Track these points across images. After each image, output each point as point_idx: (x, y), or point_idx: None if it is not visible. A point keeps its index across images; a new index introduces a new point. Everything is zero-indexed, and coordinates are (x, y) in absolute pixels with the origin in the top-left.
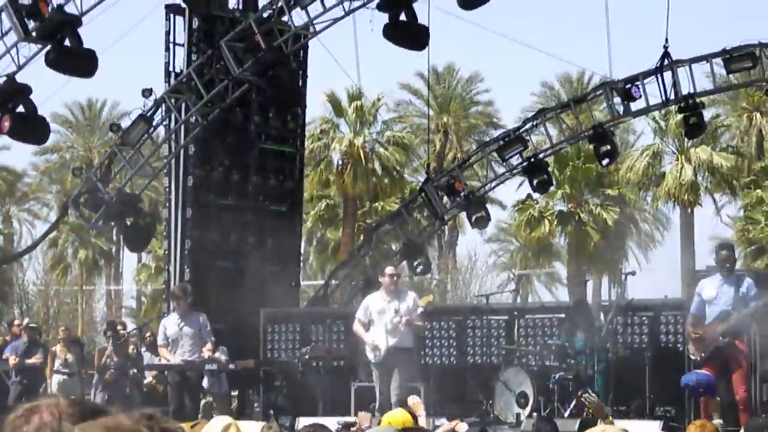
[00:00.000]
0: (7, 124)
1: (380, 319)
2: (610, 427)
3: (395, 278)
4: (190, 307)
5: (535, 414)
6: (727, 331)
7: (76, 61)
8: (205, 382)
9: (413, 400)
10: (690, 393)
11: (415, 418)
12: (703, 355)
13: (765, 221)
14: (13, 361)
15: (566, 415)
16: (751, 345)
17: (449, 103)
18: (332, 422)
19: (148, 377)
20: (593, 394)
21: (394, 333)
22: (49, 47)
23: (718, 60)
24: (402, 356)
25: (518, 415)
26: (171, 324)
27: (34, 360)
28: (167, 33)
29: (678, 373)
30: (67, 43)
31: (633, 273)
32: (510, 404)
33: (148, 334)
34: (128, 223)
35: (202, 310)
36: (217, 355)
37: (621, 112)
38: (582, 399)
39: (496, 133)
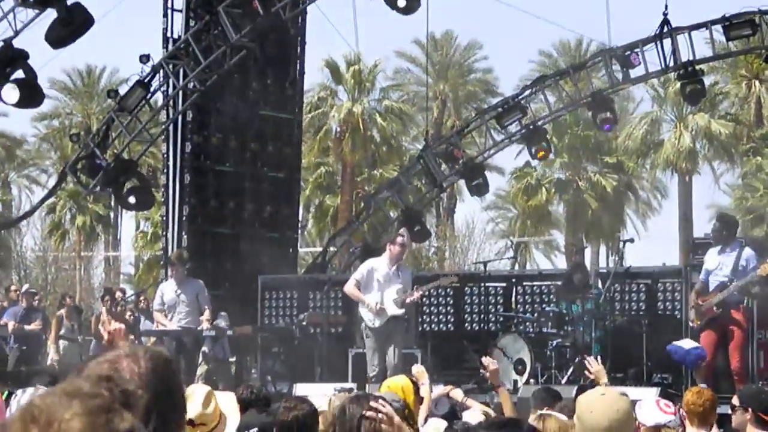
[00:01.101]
0: (13, 93)
1: (386, 286)
2: (609, 389)
3: (403, 246)
4: (188, 274)
5: (532, 381)
6: (721, 302)
7: (72, 28)
8: (206, 348)
9: (417, 369)
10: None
11: (416, 386)
12: (698, 323)
13: (763, 189)
14: (12, 326)
15: (563, 381)
16: (748, 314)
17: (447, 70)
18: (329, 388)
19: (146, 343)
20: (596, 360)
21: (399, 303)
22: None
23: (718, 27)
24: (401, 325)
25: (515, 381)
26: (168, 290)
27: (33, 326)
28: None
29: (676, 341)
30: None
31: (631, 240)
32: (507, 371)
33: (142, 300)
34: (127, 187)
35: (200, 276)
36: (217, 321)
37: (620, 80)
38: (585, 361)
39: (494, 101)
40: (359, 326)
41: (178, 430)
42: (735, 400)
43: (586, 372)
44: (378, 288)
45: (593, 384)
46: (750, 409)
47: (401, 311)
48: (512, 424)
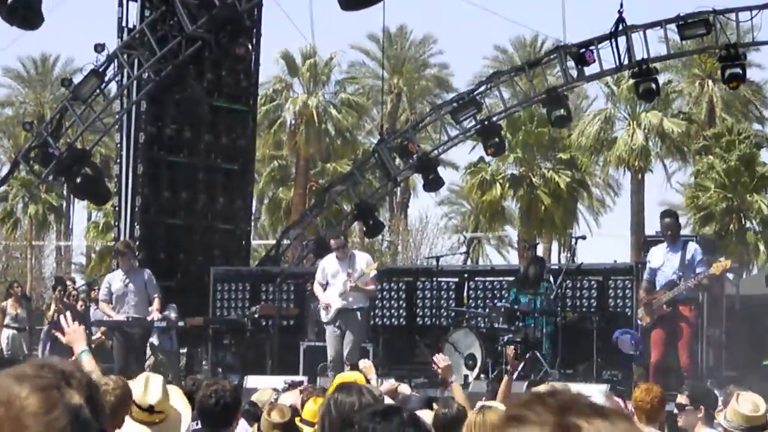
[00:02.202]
0: None
1: (334, 281)
2: (558, 385)
3: (341, 249)
4: (139, 264)
5: (483, 376)
6: (671, 300)
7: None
8: (155, 339)
9: (365, 364)
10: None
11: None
12: (648, 321)
13: (714, 188)
14: None
15: (514, 377)
16: (697, 312)
17: (402, 65)
18: (280, 381)
19: (97, 333)
20: (514, 349)
21: (345, 296)
22: None
23: (672, 26)
24: (351, 317)
25: (466, 376)
26: (116, 280)
27: None
28: None
29: None
30: None
31: (583, 237)
32: (458, 366)
33: (95, 290)
34: (79, 178)
35: (152, 267)
36: (167, 312)
37: (575, 77)
38: (507, 349)
39: (448, 96)
40: (311, 319)
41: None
42: (683, 399)
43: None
44: (330, 283)
45: (542, 380)
46: (702, 408)
47: (344, 303)
48: (393, 412)
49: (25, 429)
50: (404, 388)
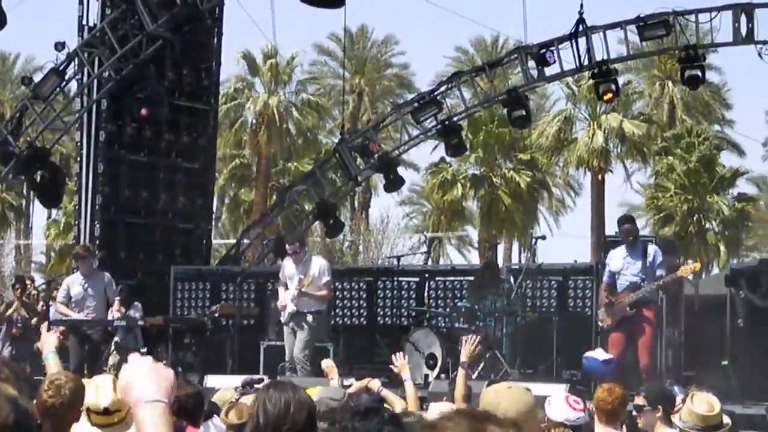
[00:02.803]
0: None
1: (290, 283)
2: (514, 384)
3: (295, 254)
4: (99, 265)
5: (443, 375)
6: (635, 302)
7: None
8: (119, 338)
9: (327, 364)
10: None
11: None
12: (610, 322)
13: (674, 189)
14: None
15: (474, 376)
16: (658, 312)
17: (364, 65)
18: (239, 380)
19: (55, 333)
20: (476, 337)
21: (298, 300)
22: None
23: (632, 27)
24: (301, 320)
25: (426, 376)
26: (75, 284)
27: None
28: None
29: (585, 338)
30: None
31: (543, 237)
32: (419, 365)
33: (55, 289)
34: (38, 177)
35: (112, 266)
36: (131, 311)
37: (535, 77)
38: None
39: (410, 96)
40: (272, 319)
41: None
42: (641, 400)
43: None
44: (288, 286)
45: (502, 379)
46: (660, 407)
47: (296, 308)
48: (372, 411)
49: None
50: (375, 384)
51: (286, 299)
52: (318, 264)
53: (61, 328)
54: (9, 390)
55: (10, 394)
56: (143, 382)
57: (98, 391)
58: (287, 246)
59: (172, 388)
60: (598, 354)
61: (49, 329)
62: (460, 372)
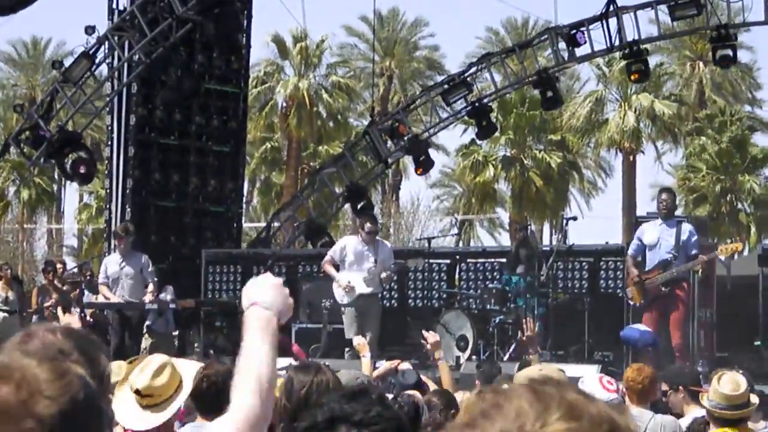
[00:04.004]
0: None
1: (358, 263)
2: (546, 365)
3: (372, 234)
4: (133, 247)
5: (474, 357)
6: (669, 280)
7: None
8: (150, 321)
9: (358, 341)
10: (629, 346)
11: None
12: (642, 301)
13: (706, 169)
14: None
15: (505, 358)
16: (690, 292)
17: (393, 47)
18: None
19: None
20: (534, 326)
21: (371, 282)
22: None
23: (663, 7)
24: (374, 302)
25: (458, 358)
26: (112, 263)
27: None
28: None
29: (617, 319)
30: None
31: (575, 218)
32: (450, 347)
33: (87, 273)
34: (71, 159)
35: (143, 249)
36: (163, 294)
37: (566, 58)
38: (524, 322)
39: (440, 78)
40: (303, 301)
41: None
42: (664, 386)
43: (519, 332)
44: (350, 265)
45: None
46: (682, 387)
47: (370, 289)
48: (362, 393)
49: (40, 394)
50: (405, 366)
51: (352, 280)
52: (389, 247)
53: (90, 310)
54: (78, 369)
55: (79, 371)
56: (263, 290)
57: (141, 370)
58: (368, 224)
59: (285, 309)
60: (637, 327)
61: (83, 312)
62: (442, 365)
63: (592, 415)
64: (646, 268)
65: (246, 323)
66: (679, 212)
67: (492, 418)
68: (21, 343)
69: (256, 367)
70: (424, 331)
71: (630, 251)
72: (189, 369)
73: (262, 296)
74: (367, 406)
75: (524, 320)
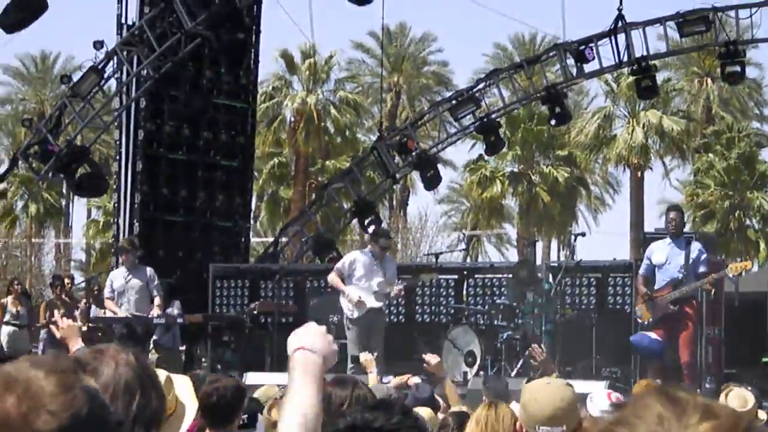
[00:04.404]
0: None
1: (367, 278)
2: (554, 380)
3: (385, 249)
4: (138, 261)
5: (482, 373)
6: (679, 299)
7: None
8: (156, 336)
9: (365, 357)
10: (637, 352)
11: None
12: (651, 319)
13: (714, 186)
14: None
15: (513, 374)
16: (699, 310)
17: (402, 62)
18: (278, 378)
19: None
20: (542, 348)
21: (380, 296)
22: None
23: (672, 23)
24: (381, 317)
25: (465, 373)
26: (118, 277)
27: None
28: None
29: (625, 335)
30: None
31: (583, 234)
32: (458, 363)
33: (95, 288)
34: (79, 172)
35: (151, 264)
36: (170, 309)
37: (574, 74)
38: (530, 350)
39: (448, 94)
40: (311, 316)
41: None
42: None
43: (532, 361)
44: (359, 279)
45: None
46: None
47: (380, 304)
48: (385, 403)
49: (42, 408)
50: (415, 380)
51: (362, 294)
52: (394, 266)
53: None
54: (90, 382)
55: (89, 385)
56: (310, 336)
57: None
58: (382, 239)
59: (330, 354)
60: (649, 334)
61: (90, 328)
62: (447, 383)
63: (728, 414)
64: (656, 287)
65: (292, 366)
66: (687, 228)
67: (633, 426)
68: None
69: (302, 409)
70: (425, 356)
71: (640, 271)
72: (183, 384)
73: (309, 340)
74: (389, 415)
75: (531, 347)
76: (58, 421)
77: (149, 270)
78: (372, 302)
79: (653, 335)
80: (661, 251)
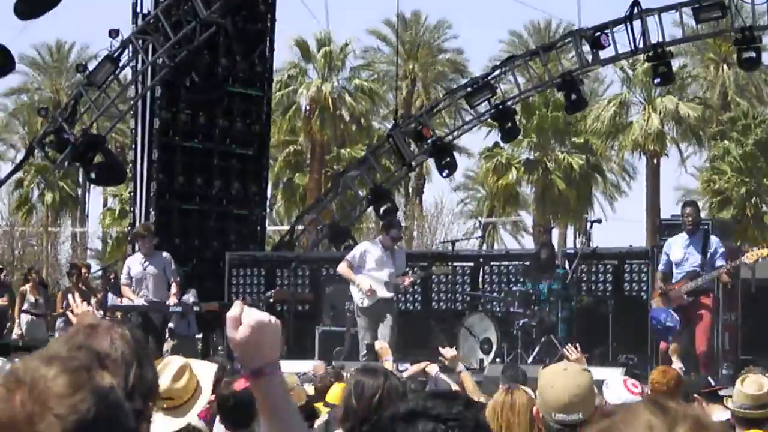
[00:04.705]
0: None
1: (378, 268)
2: (571, 364)
3: (397, 240)
4: (154, 247)
5: (498, 360)
6: (694, 290)
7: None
8: (172, 324)
9: (380, 345)
10: (652, 327)
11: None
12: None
13: (731, 172)
14: None
15: (529, 361)
16: (715, 300)
17: (417, 50)
18: (297, 365)
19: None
20: (576, 347)
21: (390, 286)
22: None
23: (688, 9)
24: (392, 306)
25: (482, 360)
26: (135, 263)
27: (0, 301)
28: None
29: (641, 321)
30: None
31: (599, 221)
32: (474, 350)
33: (111, 276)
34: (96, 161)
35: (167, 252)
36: (186, 297)
37: (589, 61)
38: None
39: (463, 82)
40: (326, 304)
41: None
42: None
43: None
44: (370, 270)
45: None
46: (696, 396)
47: (391, 294)
48: (448, 394)
49: (48, 410)
50: (432, 369)
51: (373, 283)
52: (404, 252)
53: (118, 313)
54: (104, 380)
55: (101, 385)
56: (261, 345)
57: (160, 373)
58: (394, 230)
59: (280, 344)
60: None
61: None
62: (464, 375)
63: (717, 429)
64: (674, 281)
65: (260, 396)
66: (703, 215)
67: None
68: (86, 336)
69: None
70: (440, 349)
71: (659, 267)
72: (206, 371)
73: (265, 354)
74: (450, 404)
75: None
76: (63, 426)
77: (166, 255)
78: (383, 292)
79: (672, 314)
80: (678, 247)
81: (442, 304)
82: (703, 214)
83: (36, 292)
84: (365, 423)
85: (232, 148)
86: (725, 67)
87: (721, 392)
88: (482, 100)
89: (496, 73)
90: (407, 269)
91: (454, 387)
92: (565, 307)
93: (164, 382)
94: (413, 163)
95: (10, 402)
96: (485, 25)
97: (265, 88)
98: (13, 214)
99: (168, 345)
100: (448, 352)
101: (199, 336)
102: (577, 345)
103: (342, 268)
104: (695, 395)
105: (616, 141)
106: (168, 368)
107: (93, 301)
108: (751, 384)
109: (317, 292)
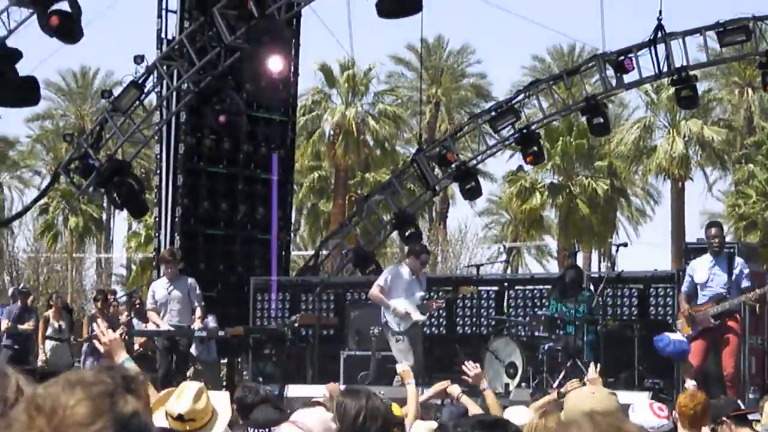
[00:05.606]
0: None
1: (408, 292)
2: (598, 388)
3: (425, 264)
4: (179, 272)
5: (524, 384)
6: (721, 313)
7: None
8: (193, 349)
9: (402, 368)
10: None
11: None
12: (691, 332)
13: (756, 196)
14: (5, 324)
15: (555, 385)
16: (742, 324)
17: (440, 74)
18: (320, 390)
19: (136, 344)
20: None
21: (423, 309)
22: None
23: (712, 33)
24: (420, 330)
25: (507, 385)
26: (159, 288)
27: (27, 326)
28: (160, 0)
29: None
30: (58, 7)
31: (625, 244)
32: (499, 374)
33: (137, 302)
34: (119, 189)
35: (192, 277)
36: (207, 321)
37: (613, 85)
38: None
39: (487, 106)
40: (351, 329)
41: None
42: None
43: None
44: (400, 294)
45: None
46: (725, 419)
47: (424, 317)
48: (502, 424)
49: None
50: (454, 390)
51: (407, 307)
52: (426, 277)
53: (142, 339)
54: (128, 406)
55: (124, 411)
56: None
57: (179, 397)
58: (425, 255)
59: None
60: (671, 335)
61: (132, 341)
62: (488, 394)
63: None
64: (699, 303)
65: None
66: (728, 239)
67: None
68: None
69: None
70: (465, 363)
71: (683, 288)
72: (221, 398)
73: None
74: None
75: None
76: None
77: (191, 280)
78: (417, 315)
79: (677, 336)
80: (703, 269)
81: (467, 328)
82: (728, 238)
83: (59, 317)
84: None
85: (257, 173)
86: (750, 90)
87: (750, 416)
88: (506, 125)
89: (520, 97)
90: (431, 293)
91: (473, 410)
92: (590, 330)
93: (185, 404)
94: (437, 188)
95: (30, 430)
96: (508, 49)
97: (289, 113)
98: (38, 239)
99: (189, 370)
100: (473, 368)
101: (224, 361)
102: (598, 365)
103: (374, 294)
104: (724, 418)
105: (640, 165)
106: (186, 391)
107: (121, 327)
108: None
109: (342, 317)
